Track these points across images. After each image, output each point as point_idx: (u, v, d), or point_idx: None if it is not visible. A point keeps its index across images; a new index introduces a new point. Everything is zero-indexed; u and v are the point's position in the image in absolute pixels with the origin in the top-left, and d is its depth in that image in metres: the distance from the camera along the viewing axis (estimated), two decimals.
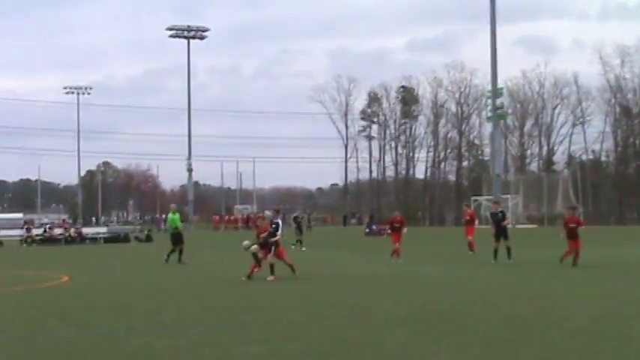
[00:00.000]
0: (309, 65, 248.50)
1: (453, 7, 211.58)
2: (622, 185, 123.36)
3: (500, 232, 33.63)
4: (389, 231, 37.30)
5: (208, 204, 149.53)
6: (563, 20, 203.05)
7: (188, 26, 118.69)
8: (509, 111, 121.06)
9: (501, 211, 35.69)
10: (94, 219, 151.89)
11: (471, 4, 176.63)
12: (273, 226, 26.02)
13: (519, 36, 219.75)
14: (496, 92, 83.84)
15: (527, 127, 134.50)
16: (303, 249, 46.89)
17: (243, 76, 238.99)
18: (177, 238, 36.56)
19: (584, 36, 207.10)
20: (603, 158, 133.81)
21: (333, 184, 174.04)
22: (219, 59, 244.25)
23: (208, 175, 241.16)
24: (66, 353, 12.98)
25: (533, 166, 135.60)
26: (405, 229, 35.79)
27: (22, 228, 73.39)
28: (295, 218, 55.14)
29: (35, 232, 72.56)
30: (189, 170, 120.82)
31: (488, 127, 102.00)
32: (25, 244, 67.51)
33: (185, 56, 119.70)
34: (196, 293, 22.82)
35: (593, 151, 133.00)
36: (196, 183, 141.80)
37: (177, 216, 37.78)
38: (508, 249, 33.24)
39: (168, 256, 35.73)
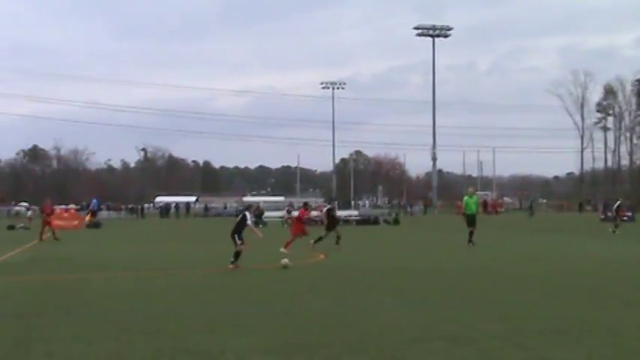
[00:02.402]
0: (540, 61, 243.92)
1: None
2: None
3: None
4: None
5: (451, 191, 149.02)
6: None
7: (433, 25, 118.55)
8: None
9: None
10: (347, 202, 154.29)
11: None
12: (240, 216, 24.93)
13: None
14: None
15: None
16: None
17: (479, 72, 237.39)
18: (471, 220, 34.96)
19: None
20: None
21: (568, 173, 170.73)
22: (457, 56, 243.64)
23: (451, 163, 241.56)
24: (322, 325, 13.23)
25: None
26: None
27: (284, 210, 75.74)
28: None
29: (295, 213, 74.45)
30: (434, 159, 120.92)
31: None
32: (286, 225, 69.38)
33: (426, 53, 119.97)
34: (438, 273, 22.83)
35: None
36: (440, 171, 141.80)
37: (473, 199, 35.91)
38: None
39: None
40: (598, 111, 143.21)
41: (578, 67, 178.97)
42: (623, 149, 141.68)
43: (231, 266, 23.81)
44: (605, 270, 23.46)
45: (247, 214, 24.72)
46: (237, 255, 24.13)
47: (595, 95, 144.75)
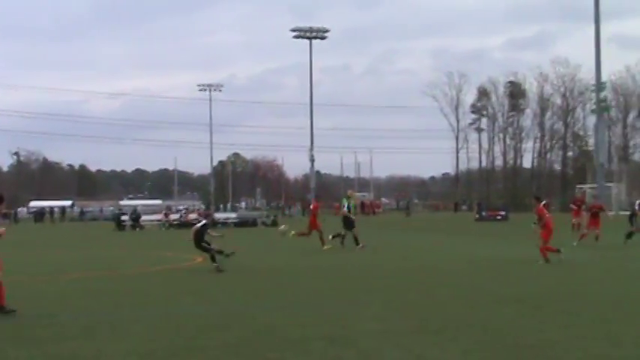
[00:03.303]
0: (414, 63, 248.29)
1: (546, 8, 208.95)
2: None
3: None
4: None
5: (329, 192, 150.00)
6: None
7: (310, 27, 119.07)
8: (613, 104, 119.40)
9: None
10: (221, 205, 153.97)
11: (564, 4, 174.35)
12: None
13: (610, 34, 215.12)
14: (600, 86, 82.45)
15: (630, 119, 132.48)
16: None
17: (355, 73, 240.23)
18: (347, 223, 34.87)
19: None
20: None
21: (444, 173, 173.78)
22: (333, 58, 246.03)
23: (329, 164, 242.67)
24: (200, 327, 13.16)
25: (636, 156, 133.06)
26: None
27: (162, 213, 75.23)
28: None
29: (172, 217, 74.11)
30: (312, 160, 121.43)
31: (592, 119, 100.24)
32: (163, 228, 68.85)
33: (302, 55, 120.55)
34: (320, 272, 22.95)
35: None
36: (318, 172, 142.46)
37: (350, 201, 35.69)
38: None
39: (342, 238, 34.50)
40: (472, 112, 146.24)
41: (451, 70, 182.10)
42: (497, 149, 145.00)
43: (218, 267, 23.66)
44: (478, 268, 23.94)
45: (204, 221, 24.88)
46: (213, 258, 24.02)
47: (469, 97, 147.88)
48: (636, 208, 35.59)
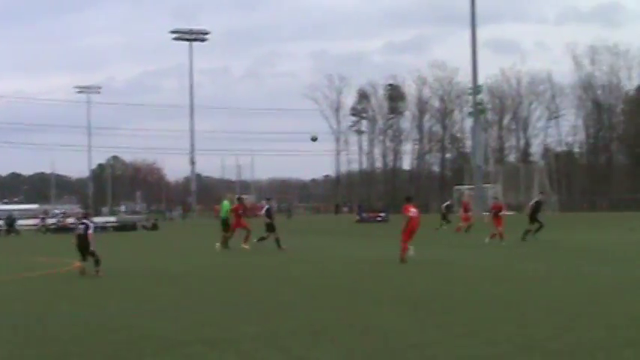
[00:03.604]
0: (294, 66, 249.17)
1: (424, 12, 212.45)
2: (593, 175, 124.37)
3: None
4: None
5: (210, 195, 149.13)
6: (525, 24, 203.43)
7: (190, 29, 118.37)
8: (489, 106, 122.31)
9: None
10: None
11: (441, 9, 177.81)
12: None
13: (486, 38, 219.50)
14: (477, 89, 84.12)
15: (505, 121, 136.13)
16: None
17: (235, 76, 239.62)
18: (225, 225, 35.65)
19: (544, 38, 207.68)
20: (576, 150, 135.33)
21: (325, 176, 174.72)
22: (214, 60, 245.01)
23: (210, 167, 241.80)
24: (76, 334, 12.92)
25: (512, 158, 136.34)
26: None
27: (38, 218, 73.68)
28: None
29: (49, 221, 72.69)
30: (192, 163, 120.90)
31: (469, 122, 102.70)
32: (40, 233, 67.44)
33: (180, 57, 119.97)
34: (201, 275, 22.83)
35: (566, 144, 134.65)
36: (198, 175, 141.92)
37: (225, 204, 36.60)
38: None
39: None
40: (352, 115, 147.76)
41: (331, 72, 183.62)
42: (377, 152, 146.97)
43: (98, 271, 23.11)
44: (358, 270, 24.13)
45: (89, 224, 24.15)
46: (98, 261, 23.39)
47: (349, 99, 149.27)
48: (531, 204, 39.02)
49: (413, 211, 26.38)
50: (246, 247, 33.92)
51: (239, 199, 38.02)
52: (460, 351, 10.88)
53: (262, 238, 34.52)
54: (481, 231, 38.13)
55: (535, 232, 36.92)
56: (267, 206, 35.94)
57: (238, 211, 35.62)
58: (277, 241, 33.80)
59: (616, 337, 11.54)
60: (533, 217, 37.56)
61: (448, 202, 58.77)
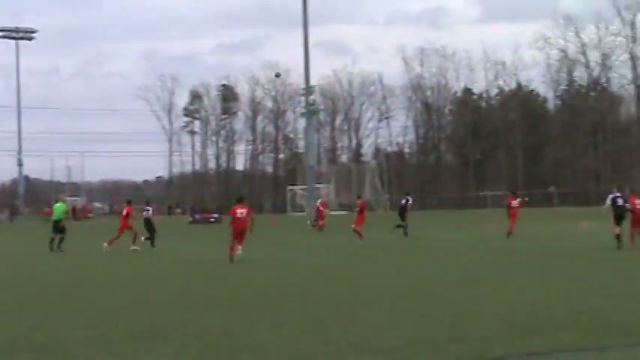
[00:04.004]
0: (125, 66, 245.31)
1: (256, 13, 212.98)
2: (423, 174, 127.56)
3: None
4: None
5: (39, 197, 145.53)
6: (355, 25, 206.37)
7: (17, 27, 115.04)
8: (322, 107, 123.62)
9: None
10: None
11: (273, 10, 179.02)
12: None
13: (318, 39, 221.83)
14: (309, 90, 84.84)
15: (337, 122, 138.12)
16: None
17: (64, 76, 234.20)
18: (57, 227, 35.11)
19: (375, 39, 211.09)
20: (406, 150, 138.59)
21: (158, 177, 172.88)
22: (41, 59, 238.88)
23: (38, 169, 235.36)
24: None
25: (344, 158, 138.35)
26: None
27: None
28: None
29: None
30: (20, 165, 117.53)
31: (302, 122, 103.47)
32: None
33: (5, 56, 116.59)
34: (35, 280, 22.28)
35: (397, 144, 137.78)
36: (27, 177, 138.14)
37: (60, 205, 36.10)
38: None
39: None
40: (185, 115, 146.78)
41: (163, 72, 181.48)
42: (210, 152, 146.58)
43: None
44: (191, 271, 24.07)
45: None
46: None
47: (182, 100, 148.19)
48: (403, 202, 41.83)
49: (240, 212, 26.81)
50: (137, 247, 34.32)
51: (128, 202, 38.56)
52: (294, 351, 10.99)
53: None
54: (333, 230, 38.46)
55: (398, 227, 40.10)
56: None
57: (128, 215, 35.83)
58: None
59: (445, 333, 11.90)
60: (402, 215, 40.89)
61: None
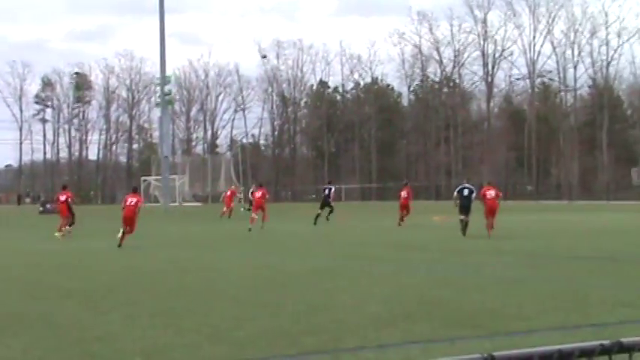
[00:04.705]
0: None
1: (109, 1, 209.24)
2: (278, 166, 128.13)
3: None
4: None
5: None
6: (211, 15, 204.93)
7: None
8: (177, 97, 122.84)
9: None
10: None
11: None
12: None
13: (173, 29, 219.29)
14: (164, 80, 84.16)
15: (193, 113, 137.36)
16: None
17: None
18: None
19: (231, 30, 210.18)
20: (262, 142, 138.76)
21: (7, 165, 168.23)
22: None
23: None
24: None
25: (199, 149, 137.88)
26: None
27: None
28: None
29: None
30: None
31: (157, 112, 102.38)
32: None
33: None
34: None
35: (253, 135, 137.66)
36: None
37: None
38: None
39: None
40: (36, 103, 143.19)
41: (13, 59, 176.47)
42: (62, 141, 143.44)
43: None
44: (41, 261, 23.56)
45: None
46: None
47: (33, 87, 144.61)
48: (326, 192, 44.44)
49: (130, 200, 29.02)
50: (60, 234, 34.87)
51: (64, 186, 39.55)
52: (147, 342, 10.88)
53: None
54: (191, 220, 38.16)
55: (328, 215, 42.87)
56: None
57: (60, 199, 36.71)
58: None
59: (299, 325, 11.97)
60: (326, 203, 43.57)
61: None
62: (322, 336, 11.06)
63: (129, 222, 28.32)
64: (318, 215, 42.12)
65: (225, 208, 52.78)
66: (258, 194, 39.07)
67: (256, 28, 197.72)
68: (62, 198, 36.47)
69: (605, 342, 2.57)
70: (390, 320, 12.23)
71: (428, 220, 44.46)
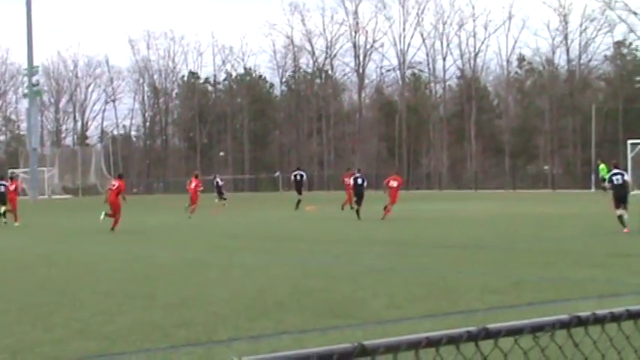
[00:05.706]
0: None
1: None
2: (150, 158, 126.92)
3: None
4: None
5: None
6: (78, 4, 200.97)
7: None
8: (46, 88, 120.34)
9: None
10: None
11: None
12: None
13: (41, 17, 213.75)
14: (32, 70, 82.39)
15: (62, 104, 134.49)
16: None
17: None
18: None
19: (99, 20, 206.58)
20: (133, 133, 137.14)
21: None
22: None
23: None
24: None
25: (69, 140, 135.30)
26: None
27: None
28: None
29: None
30: None
31: (24, 103, 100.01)
32: None
33: None
34: None
35: (124, 127, 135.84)
36: None
37: None
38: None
39: None
40: None
41: None
42: None
43: None
44: None
45: None
46: None
47: None
48: (298, 178, 46.48)
49: (112, 184, 32.08)
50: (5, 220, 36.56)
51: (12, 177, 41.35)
52: (15, 338, 10.65)
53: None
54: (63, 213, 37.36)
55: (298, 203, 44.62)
56: None
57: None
58: None
59: (172, 317, 11.86)
60: (299, 190, 45.97)
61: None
62: (195, 328, 11.00)
63: (111, 206, 31.69)
64: (299, 201, 44.64)
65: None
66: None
67: (126, 18, 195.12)
68: None
69: (472, 329, 2.60)
70: (262, 311, 12.23)
71: (301, 210, 44.66)
